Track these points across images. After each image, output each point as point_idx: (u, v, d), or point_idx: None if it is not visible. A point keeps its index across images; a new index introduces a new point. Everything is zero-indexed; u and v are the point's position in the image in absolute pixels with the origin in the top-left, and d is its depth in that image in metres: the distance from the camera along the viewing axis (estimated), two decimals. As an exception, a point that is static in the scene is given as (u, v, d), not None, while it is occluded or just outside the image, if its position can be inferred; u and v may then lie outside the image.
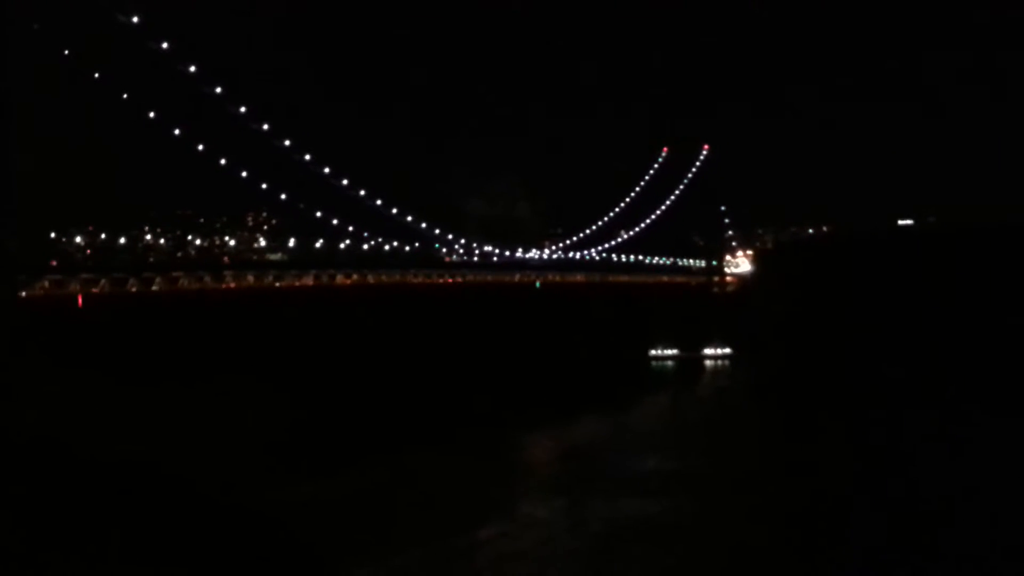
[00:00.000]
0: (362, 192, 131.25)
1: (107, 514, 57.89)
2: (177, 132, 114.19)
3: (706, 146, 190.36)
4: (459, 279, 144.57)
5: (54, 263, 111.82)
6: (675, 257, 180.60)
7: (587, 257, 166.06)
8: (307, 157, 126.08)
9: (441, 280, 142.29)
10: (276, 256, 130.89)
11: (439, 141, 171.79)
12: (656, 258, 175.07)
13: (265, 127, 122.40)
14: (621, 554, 56.19)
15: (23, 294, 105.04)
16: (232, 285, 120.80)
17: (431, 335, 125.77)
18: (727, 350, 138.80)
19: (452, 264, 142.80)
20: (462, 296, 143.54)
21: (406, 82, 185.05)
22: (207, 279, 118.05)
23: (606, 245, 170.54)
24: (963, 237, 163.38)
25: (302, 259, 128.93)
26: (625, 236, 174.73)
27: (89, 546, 52.64)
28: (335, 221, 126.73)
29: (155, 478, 66.66)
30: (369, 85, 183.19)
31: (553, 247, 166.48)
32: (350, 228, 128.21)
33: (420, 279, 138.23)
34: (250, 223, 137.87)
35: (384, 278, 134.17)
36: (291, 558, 54.20)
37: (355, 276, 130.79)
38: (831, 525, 60.13)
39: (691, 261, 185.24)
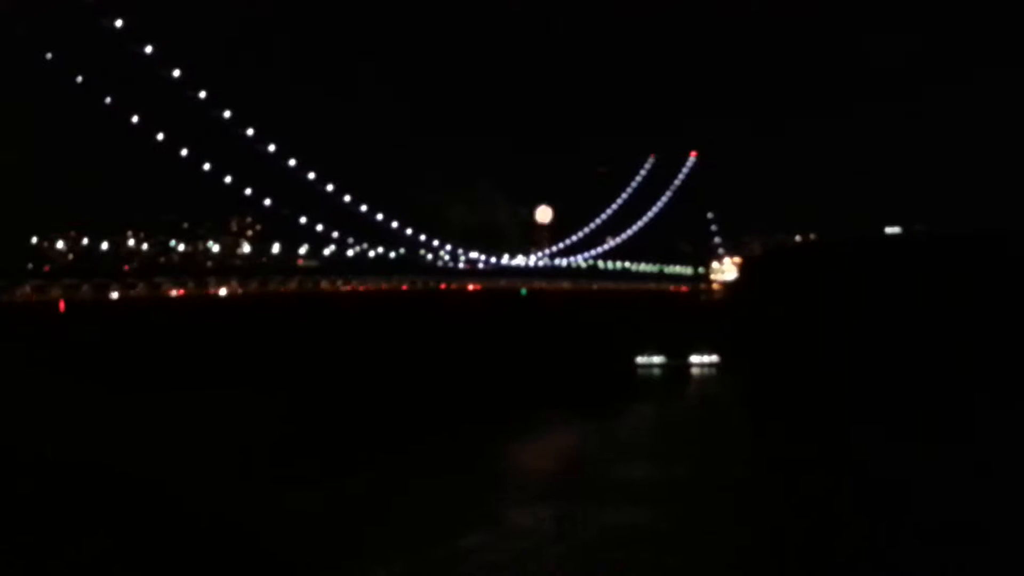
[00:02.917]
0: (347, 198, 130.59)
1: (84, 522, 57.20)
2: (160, 137, 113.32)
3: (693, 153, 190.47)
4: (444, 286, 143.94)
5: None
6: (662, 264, 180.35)
7: (573, 264, 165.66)
8: (292, 162, 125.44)
9: (429, 286, 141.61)
10: (314, 263, 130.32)
11: (419, 143, 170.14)
12: (643, 264, 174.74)
13: (250, 132, 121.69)
14: (608, 561, 55.50)
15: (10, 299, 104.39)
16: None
17: (417, 342, 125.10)
18: (714, 357, 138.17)
19: (439, 270, 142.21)
20: (448, 302, 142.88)
21: (388, 81, 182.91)
22: (190, 284, 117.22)
23: (593, 252, 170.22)
24: (950, 245, 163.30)
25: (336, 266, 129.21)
26: (612, 243, 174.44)
27: (64, 554, 51.90)
28: (320, 227, 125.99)
29: (131, 485, 66.08)
30: (351, 86, 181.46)
31: (539, 253, 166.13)
32: (335, 234, 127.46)
33: (406, 285, 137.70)
34: (234, 228, 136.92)
35: (371, 284, 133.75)
36: (274, 570, 53.38)
37: (340, 282, 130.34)
38: (817, 535, 59.46)
39: (678, 268, 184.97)
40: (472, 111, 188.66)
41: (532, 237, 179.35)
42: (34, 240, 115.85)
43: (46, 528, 56.21)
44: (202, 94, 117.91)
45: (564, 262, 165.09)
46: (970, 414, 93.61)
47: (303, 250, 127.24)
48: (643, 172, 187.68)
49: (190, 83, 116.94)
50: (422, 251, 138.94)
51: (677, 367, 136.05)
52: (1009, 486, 67.16)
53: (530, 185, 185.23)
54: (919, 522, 60.80)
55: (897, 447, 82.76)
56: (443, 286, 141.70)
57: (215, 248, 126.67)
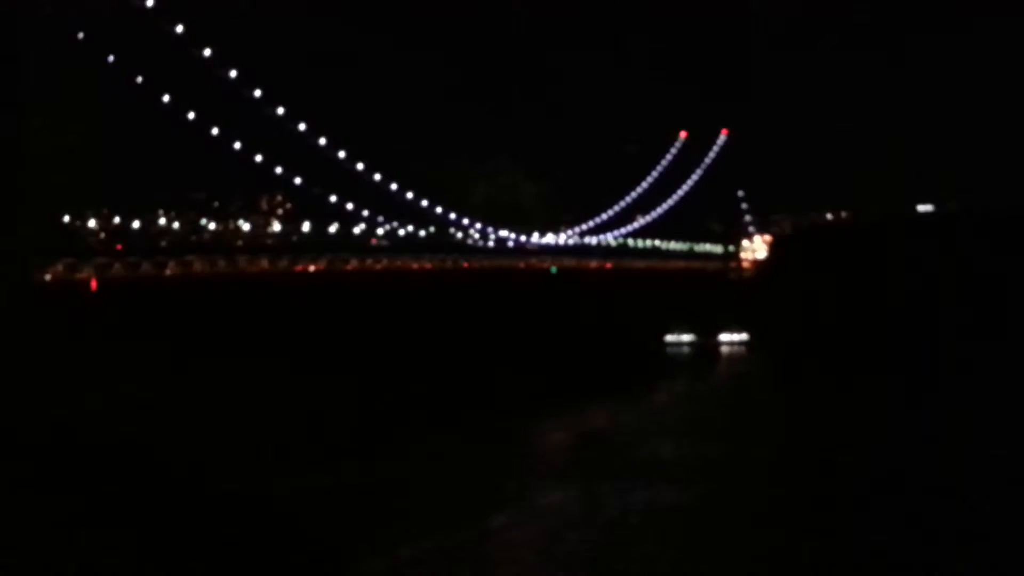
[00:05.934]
0: (377, 176, 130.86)
1: (113, 501, 57.68)
2: (192, 116, 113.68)
3: (724, 130, 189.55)
4: (476, 264, 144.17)
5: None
6: (692, 242, 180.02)
7: (603, 243, 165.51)
8: (322, 141, 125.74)
9: (462, 264, 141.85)
10: (385, 242, 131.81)
11: (442, 119, 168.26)
12: (673, 243, 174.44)
13: (280, 110, 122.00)
14: (636, 540, 55.57)
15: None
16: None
17: (449, 319, 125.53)
18: (743, 336, 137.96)
19: (468, 248, 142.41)
20: (479, 280, 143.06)
21: (415, 58, 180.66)
22: (221, 263, 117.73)
23: (623, 230, 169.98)
24: (983, 223, 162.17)
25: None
26: (642, 221, 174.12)
27: (93, 533, 52.35)
28: (350, 205, 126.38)
29: (163, 464, 66.65)
30: (378, 60, 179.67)
31: (568, 232, 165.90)
32: (364, 212, 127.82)
33: (434, 264, 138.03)
34: (264, 207, 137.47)
35: (399, 263, 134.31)
36: (300, 549, 53.70)
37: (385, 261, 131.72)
38: (846, 517, 59.32)
39: (708, 246, 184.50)
40: (494, 87, 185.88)
41: (558, 216, 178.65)
42: (67, 219, 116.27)
43: (71, 507, 56.59)
44: (233, 73, 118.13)
45: (594, 240, 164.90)
46: (1013, 396, 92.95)
47: (314, 228, 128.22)
48: (673, 150, 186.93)
49: (221, 62, 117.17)
50: (452, 229, 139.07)
51: (706, 345, 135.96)
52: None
53: (553, 162, 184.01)
54: (952, 507, 60.58)
55: (929, 426, 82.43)
56: (523, 265, 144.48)
57: (246, 227, 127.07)
